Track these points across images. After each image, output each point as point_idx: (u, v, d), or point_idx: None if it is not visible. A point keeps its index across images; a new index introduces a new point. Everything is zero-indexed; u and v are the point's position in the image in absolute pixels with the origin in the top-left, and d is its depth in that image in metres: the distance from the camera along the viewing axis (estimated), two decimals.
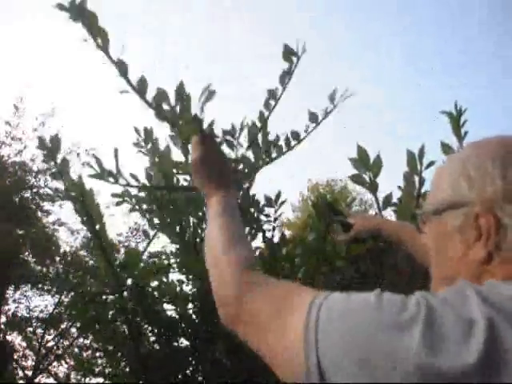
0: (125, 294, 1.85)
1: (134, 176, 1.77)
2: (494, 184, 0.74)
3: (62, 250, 12.89)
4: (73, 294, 2.18)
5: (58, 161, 1.75)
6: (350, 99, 1.77)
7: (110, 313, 1.93)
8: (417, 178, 1.67)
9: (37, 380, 11.83)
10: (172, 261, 2.03)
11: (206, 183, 1.02)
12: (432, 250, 0.84)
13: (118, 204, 1.95)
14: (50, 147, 1.75)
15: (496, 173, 0.74)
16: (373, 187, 1.68)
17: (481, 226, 0.74)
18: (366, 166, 1.64)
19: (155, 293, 1.94)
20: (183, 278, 2.00)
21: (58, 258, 12.68)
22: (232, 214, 0.95)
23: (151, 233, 2.17)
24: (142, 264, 1.85)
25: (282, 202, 1.97)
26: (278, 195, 1.97)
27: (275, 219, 1.95)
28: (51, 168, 1.76)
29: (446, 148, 1.66)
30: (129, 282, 1.84)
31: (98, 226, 1.79)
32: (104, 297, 1.95)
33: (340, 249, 1.66)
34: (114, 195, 1.95)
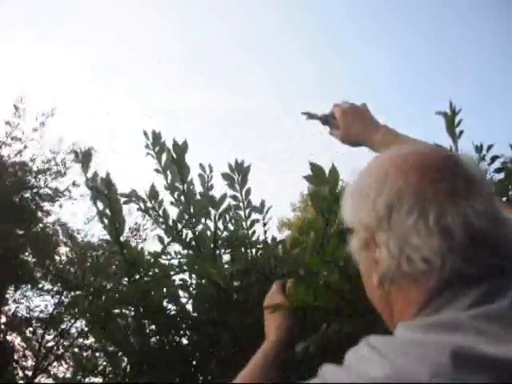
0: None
1: None
2: (370, 211, 0.72)
3: (61, 250, 12.89)
4: (75, 292, 2.20)
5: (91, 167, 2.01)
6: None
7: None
8: None
9: (37, 380, 11.84)
10: (174, 261, 2.03)
11: None
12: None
13: (125, 202, 2.00)
14: (83, 160, 2.03)
15: (371, 199, 0.72)
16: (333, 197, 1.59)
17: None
18: (323, 180, 1.54)
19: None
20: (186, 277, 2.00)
21: (57, 258, 12.69)
22: (265, 369, 1.10)
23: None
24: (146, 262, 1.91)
25: (269, 208, 2.05)
26: (262, 203, 2.05)
27: (264, 224, 2.01)
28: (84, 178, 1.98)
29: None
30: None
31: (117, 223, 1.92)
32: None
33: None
34: (122, 195, 2.00)
